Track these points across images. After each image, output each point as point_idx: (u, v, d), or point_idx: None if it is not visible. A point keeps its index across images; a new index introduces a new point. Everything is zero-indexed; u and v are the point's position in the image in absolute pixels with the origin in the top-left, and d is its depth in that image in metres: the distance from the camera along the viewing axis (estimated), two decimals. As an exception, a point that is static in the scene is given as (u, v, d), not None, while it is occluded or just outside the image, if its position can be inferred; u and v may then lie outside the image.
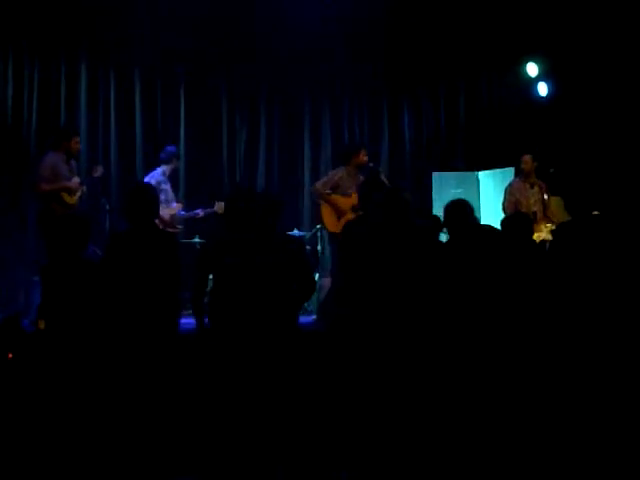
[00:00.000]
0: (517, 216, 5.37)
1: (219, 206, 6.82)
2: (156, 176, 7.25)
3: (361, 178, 6.70)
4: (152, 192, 4.71)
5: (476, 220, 5.10)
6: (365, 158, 7.15)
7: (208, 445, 4.36)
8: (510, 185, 7.54)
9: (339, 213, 6.89)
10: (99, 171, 6.98)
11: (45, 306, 4.62)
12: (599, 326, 4.31)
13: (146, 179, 7.27)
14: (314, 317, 6.90)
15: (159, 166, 7.39)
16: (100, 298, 4.42)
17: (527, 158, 7.43)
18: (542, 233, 6.89)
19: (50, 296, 4.55)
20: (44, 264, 4.73)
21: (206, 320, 4.36)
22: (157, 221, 5.19)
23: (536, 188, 7.41)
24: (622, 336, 4.25)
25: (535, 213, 7.21)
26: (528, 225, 5.02)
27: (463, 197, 5.20)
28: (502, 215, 7.75)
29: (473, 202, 8.17)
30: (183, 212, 7.49)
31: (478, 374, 4.36)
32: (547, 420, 4.21)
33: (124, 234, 4.59)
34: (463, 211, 4.92)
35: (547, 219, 7.25)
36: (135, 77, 8.55)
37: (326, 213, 7.06)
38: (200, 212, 7.47)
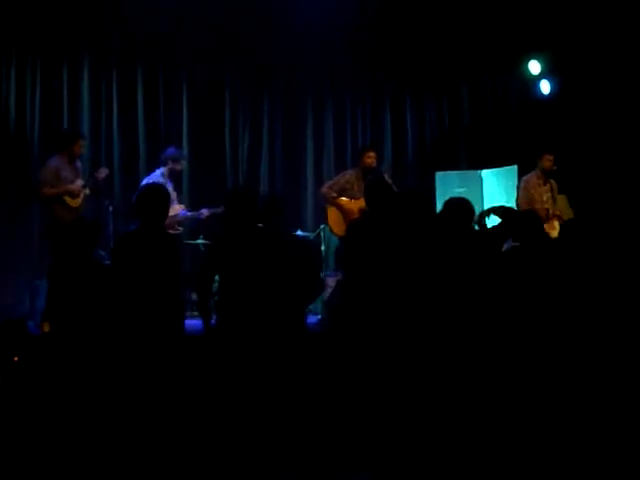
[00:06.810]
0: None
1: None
2: (154, 177, 7.13)
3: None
4: (164, 193, 4.70)
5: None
6: (369, 160, 7.11)
7: (214, 447, 4.36)
8: (524, 180, 7.49)
9: (346, 216, 6.86)
10: (103, 173, 6.96)
11: (51, 308, 4.62)
12: (607, 325, 4.30)
13: (144, 181, 7.19)
14: (319, 317, 6.89)
15: (159, 167, 7.38)
16: (108, 299, 4.43)
17: (551, 157, 7.39)
18: (554, 231, 6.87)
19: (57, 298, 4.56)
20: (51, 266, 4.74)
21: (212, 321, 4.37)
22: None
23: (548, 186, 7.40)
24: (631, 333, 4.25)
25: (547, 210, 7.20)
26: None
27: (467, 196, 5.16)
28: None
29: (477, 201, 8.25)
30: (187, 212, 7.44)
31: (483, 368, 4.35)
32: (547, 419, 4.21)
33: (131, 235, 4.60)
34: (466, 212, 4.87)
35: (558, 217, 7.23)
36: (138, 78, 8.52)
37: (332, 216, 7.05)
38: (205, 212, 7.42)
